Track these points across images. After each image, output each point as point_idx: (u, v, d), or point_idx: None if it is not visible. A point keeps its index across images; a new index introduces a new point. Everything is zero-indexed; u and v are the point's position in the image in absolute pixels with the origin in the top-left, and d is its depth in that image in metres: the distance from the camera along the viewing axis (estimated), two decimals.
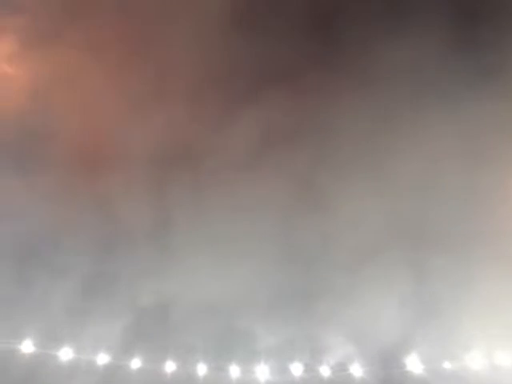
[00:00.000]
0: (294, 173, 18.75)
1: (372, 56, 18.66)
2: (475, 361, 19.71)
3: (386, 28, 18.20)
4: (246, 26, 18.65)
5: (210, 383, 21.37)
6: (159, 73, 19.44)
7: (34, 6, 19.86)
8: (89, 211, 18.84)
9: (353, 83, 18.25)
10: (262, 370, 21.58)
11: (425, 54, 18.63)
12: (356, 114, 18.47)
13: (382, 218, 18.54)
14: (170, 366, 21.34)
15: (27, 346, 19.95)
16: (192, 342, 20.78)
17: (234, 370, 21.68)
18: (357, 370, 20.99)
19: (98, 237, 19.10)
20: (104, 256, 19.26)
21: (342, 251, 18.86)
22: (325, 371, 21.44)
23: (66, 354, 20.26)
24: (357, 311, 19.39)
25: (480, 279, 18.17)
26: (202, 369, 21.60)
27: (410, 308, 19.00)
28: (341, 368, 21.27)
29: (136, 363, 21.05)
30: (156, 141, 19.05)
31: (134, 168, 19.11)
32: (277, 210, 18.93)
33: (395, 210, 18.18)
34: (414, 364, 20.25)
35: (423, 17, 18.44)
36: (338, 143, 18.57)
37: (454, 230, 18.30)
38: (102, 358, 20.66)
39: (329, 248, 18.96)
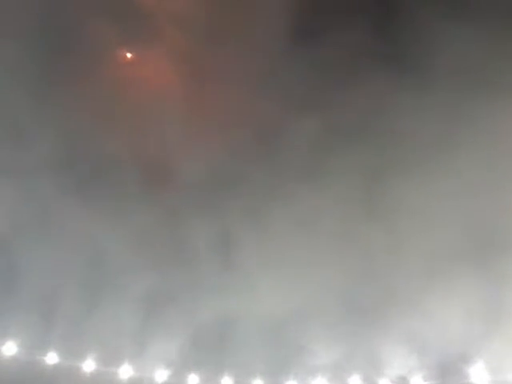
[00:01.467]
0: (356, 180, 18.47)
1: (437, 56, 18.21)
2: None
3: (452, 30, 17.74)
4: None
5: None
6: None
7: None
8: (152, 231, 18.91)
9: (417, 84, 17.81)
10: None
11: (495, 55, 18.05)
12: (423, 114, 18.03)
13: (452, 223, 18.08)
14: (226, 382, 21.32)
15: (88, 365, 19.98)
16: (250, 358, 20.60)
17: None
18: (418, 382, 20.66)
19: (160, 255, 19.11)
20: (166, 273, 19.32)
21: (410, 260, 18.57)
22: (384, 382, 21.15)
23: (126, 371, 20.26)
24: (420, 322, 18.99)
25: None
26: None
27: (476, 318, 18.56)
28: (401, 381, 20.92)
29: (194, 379, 20.97)
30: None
31: (195, 189, 19.15)
32: (339, 220, 18.70)
33: (467, 213, 17.66)
34: (478, 375, 19.87)
35: (488, 20, 18.01)
36: (405, 145, 18.13)
37: None
38: (161, 375, 20.70)
39: (395, 258, 18.69)
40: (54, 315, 19.33)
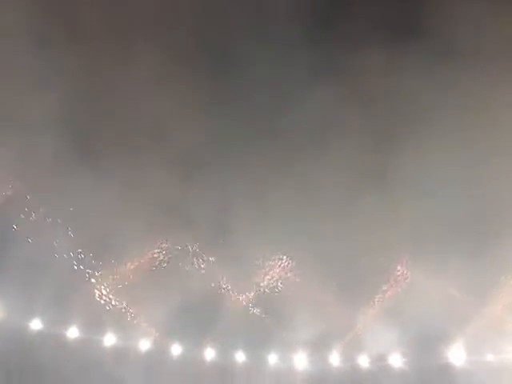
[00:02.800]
0: (356, 149, 18.12)
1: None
2: None
3: None
4: None
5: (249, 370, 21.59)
6: None
7: None
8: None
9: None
10: (300, 359, 21.61)
11: None
12: (428, 81, 17.32)
13: (448, 197, 17.68)
14: (209, 353, 21.72)
15: (72, 332, 20.35)
16: (233, 331, 20.83)
17: (272, 358, 21.83)
18: (396, 360, 20.76)
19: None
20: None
21: (399, 236, 18.42)
22: (364, 362, 21.32)
23: (110, 339, 20.58)
24: (404, 300, 18.97)
25: None
26: (240, 356, 21.93)
27: (459, 298, 18.46)
28: (380, 358, 21.04)
29: (177, 349, 21.32)
30: None
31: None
32: (335, 190, 18.53)
33: (464, 185, 17.21)
34: (456, 355, 19.91)
35: None
36: (406, 114, 17.43)
37: None
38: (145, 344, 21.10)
39: (384, 233, 18.55)
40: (42, 283, 19.59)
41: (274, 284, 19.94)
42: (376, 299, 19.84)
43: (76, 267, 19.13)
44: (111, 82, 16.34)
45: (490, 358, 19.56)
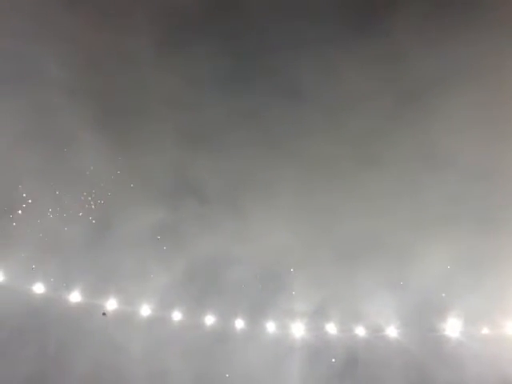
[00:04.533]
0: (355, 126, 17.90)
1: None
2: None
3: None
4: None
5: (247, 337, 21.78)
6: None
7: None
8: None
9: None
10: (298, 328, 21.74)
11: None
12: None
13: (448, 170, 17.51)
14: (209, 320, 21.84)
15: (74, 296, 20.50)
16: (234, 298, 20.97)
17: (270, 326, 21.97)
18: (392, 331, 20.85)
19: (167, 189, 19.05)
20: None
21: (398, 207, 18.30)
22: (360, 331, 21.43)
23: (111, 304, 20.72)
24: (402, 271, 18.95)
25: None
26: (239, 323, 22.08)
27: (458, 270, 18.41)
28: (376, 329, 21.13)
29: (177, 315, 21.49)
30: None
31: None
32: (333, 166, 18.38)
33: (466, 162, 16.97)
34: (452, 327, 19.96)
35: None
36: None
37: None
38: (146, 310, 21.22)
39: (383, 204, 18.41)
40: (46, 247, 19.69)
41: (276, 254, 19.95)
42: (373, 270, 19.83)
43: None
44: None
45: (485, 331, 19.65)
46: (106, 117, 18.04)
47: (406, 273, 19.43)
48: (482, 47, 16.73)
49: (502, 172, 17.39)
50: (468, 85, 16.86)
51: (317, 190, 19.20)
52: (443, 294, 19.37)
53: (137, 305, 21.07)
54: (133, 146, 18.59)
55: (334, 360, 21.46)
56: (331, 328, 21.45)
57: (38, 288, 19.91)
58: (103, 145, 18.17)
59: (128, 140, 18.56)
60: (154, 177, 19.02)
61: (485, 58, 16.82)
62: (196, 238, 19.57)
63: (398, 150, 18.17)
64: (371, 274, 19.84)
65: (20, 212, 18.57)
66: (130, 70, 17.71)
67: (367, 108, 18.13)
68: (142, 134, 18.55)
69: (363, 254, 19.81)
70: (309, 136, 18.50)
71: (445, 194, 18.66)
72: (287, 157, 18.77)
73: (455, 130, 17.45)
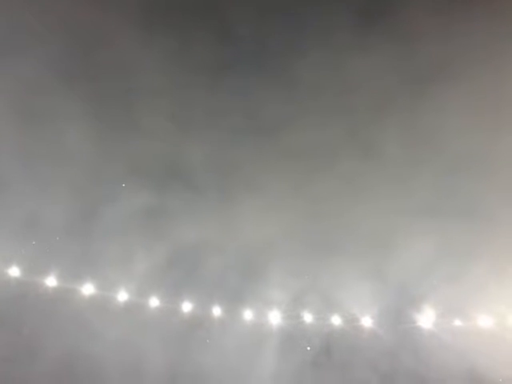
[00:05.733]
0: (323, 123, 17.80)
1: None
2: (486, 320, 19.61)
3: None
4: None
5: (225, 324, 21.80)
6: None
7: None
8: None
9: None
10: (275, 316, 21.84)
11: None
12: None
13: (429, 162, 17.54)
14: (186, 307, 21.78)
15: (50, 281, 20.19)
16: (212, 285, 20.91)
17: (248, 314, 22.04)
18: (367, 321, 21.12)
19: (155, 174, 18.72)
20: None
21: (377, 198, 18.33)
22: (336, 320, 21.64)
23: (88, 289, 20.53)
24: (379, 262, 19.05)
25: (494, 250, 17.75)
26: (216, 311, 22.10)
27: (436, 262, 18.61)
28: (352, 317, 21.37)
29: (154, 301, 21.38)
30: None
31: None
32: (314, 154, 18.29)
33: (446, 154, 16.99)
34: (425, 320, 20.28)
35: None
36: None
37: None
38: (123, 295, 21.01)
39: (363, 194, 18.43)
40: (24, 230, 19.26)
41: (257, 243, 19.89)
42: (352, 260, 19.92)
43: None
44: None
45: (458, 323, 20.00)
46: (94, 100, 17.59)
47: (385, 263, 19.51)
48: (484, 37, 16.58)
49: (488, 165, 17.53)
50: (464, 74, 16.81)
51: (300, 181, 19.14)
52: (419, 286, 19.55)
53: (114, 290, 20.85)
54: (120, 129, 18.19)
55: (308, 348, 21.70)
56: (307, 317, 21.64)
57: (14, 272, 19.55)
58: (89, 128, 17.74)
59: (115, 124, 18.15)
60: (141, 162, 18.70)
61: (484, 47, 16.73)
62: (180, 224, 19.35)
63: (385, 138, 18.11)
64: (350, 263, 19.85)
65: None
66: (119, 52, 17.28)
67: (358, 97, 17.99)
68: (129, 118, 18.16)
69: (342, 243, 19.87)
70: (300, 126, 18.34)
71: (428, 184, 18.72)
72: (276, 146, 18.62)
73: (447, 119, 17.44)
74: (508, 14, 15.94)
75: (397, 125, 17.77)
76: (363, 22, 16.63)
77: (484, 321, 19.45)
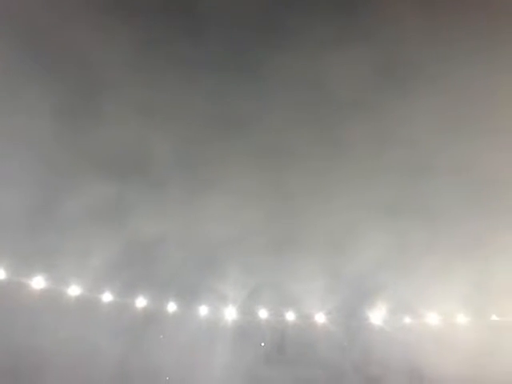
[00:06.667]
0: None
1: None
2: (434, 318, 20.35)
3: None
4: None
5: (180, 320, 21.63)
6: None
7: None
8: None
9: None
10: (230, 312, 21.86)
11: None
12: None
13: (385, 164, 17.89)
14: (140, 302, 21.47)
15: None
16: (167, 281, 20.65)
17: (203, 310, 21.96)
18: (320, 317, 21.46)
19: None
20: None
21: (333, 197, 18.54)
22: (290, 316, 21.87)
23: (38, 283, 19.81)
24: (335, 260, 19.28)
25: (445, 250, 18.44)
26: (171, 306, 21.90)
27: (387, 262, 19.06)
28: (306, 314, 21.66)
29: (108, 296, 20.94)
30: None
31: None
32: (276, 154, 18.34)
33: (401, 157, 17.31)
34: (377, 317, 20.83)
35: None
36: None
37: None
38: (74, 290, 20.48)
39: (322, 195, 18.60)
40: None
41: (217, 238, 19.80)
42: (308, 258, 20.15)
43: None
44: None
45: (407, 320, 20.68)
46: (55, 92, 16.91)
47: (340, 260, 19.71)
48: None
49: (450, 167, 18.04)
50: (438, 73, 17.15)
51: (265, 178, 19.15)
52: (372, 283, 19.95)
53: (67, 284, 20.26)
54: (81, 121, 17.60)
55: (263, 344, 21.84)
56: (262, 313, 21.76)
57: None
58: (49, 119, 17.07)
59: (76, 115, 17.54)
60: (102, 154, 18.14)
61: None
62: (139, 218, 18.95)
63: (355, 136, 18.29)
64: (307, 260, 19.98)
65: None
66: (87, 43, 16.74)
67: (329, 88, 18.00)
68: (91, 110, 17.60)
69: (301, 240, 20.02)
70: (269, 123, 18.29)
71: (390, 182, 19.05)
72: (244, 143, 18.52)
73: (418, 118, 17.76)
74: (484, 15, 16.41)
75: (366, 122, 17.99)
76: (338, 19, 16.76)
77: (432, 318, 20.20)
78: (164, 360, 20.82)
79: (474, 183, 17.63)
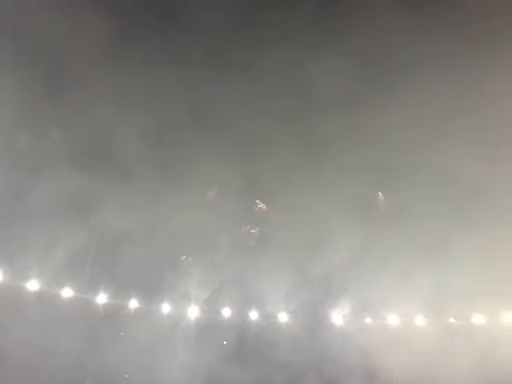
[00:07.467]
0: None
1: None
2: (394, 319, 20.73)
3: None
4: None
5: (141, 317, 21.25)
6: None
7: None
8: None
9: None
10: (193, 310, 21.64)
11: None
12: None
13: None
14: (101, 299, 20.96)
15: None
16: (128, 277, 20.28)
17: (165, 308, 21.62)
18: (283, 316, 21.53)
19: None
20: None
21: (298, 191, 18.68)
22: (253, 315, 21.84)
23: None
24: (299, 258, 19.46)
25: (411, 252, 18.88)
26: (133, 303, 21.44)
27: (349, 263, 19.32)
28: (269, 313, 21.68)
29: (68, 292, 20.33)
30: None
31: None
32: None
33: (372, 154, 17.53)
34: (338, 317, 21.08)
35: None
36: None
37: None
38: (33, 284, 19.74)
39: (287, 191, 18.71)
40: None
41: (184, 235, 19.61)
42: (273, 257, 20.21)
43: None
44: None
45: (368, 320, 21.00)
46: (23, 76, 16.30)
47: (306, 260, 19.97)
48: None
49: (415, 162, 18.38)
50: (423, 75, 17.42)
51: (229, 173, 19.10)
52: (337, 282, 20.19)
53: (25, 279, 19.58)
54: (48, 108, 17.05)
55: (225, 342, 21.71)
56: (226, 311, 21.63)
57: None
58: (14, 104, 16.47)
59: (43, 102, 16.98)
60: (68, 142, 17.65)
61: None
62: (104, 213, 18.52)
63: (326, 132, 18.43)
64: (273, 259, 20.11)
65: None
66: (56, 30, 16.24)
67: (305, 85, 18.09)
68: (58, 96, 17.08)
69: (265, 239, 20.10)
70: (240, 107, 18.20)
71: (363, 180, 19.28)
72: (211, 133, 18.40)
73: (393, 116, 17.99)
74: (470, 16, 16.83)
75: (341, 119, 18.15)
76: (323, 19, 16.92)
77: (392, 320, 20.57)
78: (124, 358, 20.34)
79: (443, 185, 18.12)
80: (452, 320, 20.27)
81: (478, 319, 19.91)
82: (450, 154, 17.66)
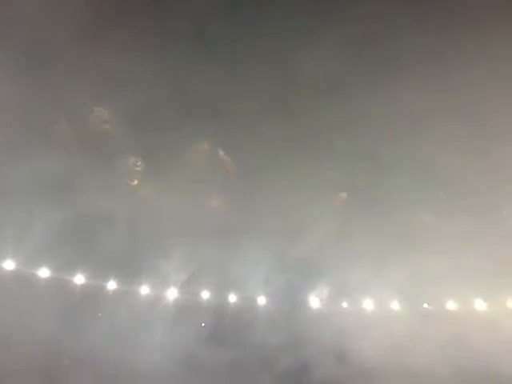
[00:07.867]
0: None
1: None
2: (370, 304, 21.23)
3: None
4: None
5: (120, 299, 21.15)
6: None
7: None
8: None
9: None
10: (172, 292, 21.68)
11: None
12: None
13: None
14: (79, 279, 20.78)
15: None
16: (107, 259, 20.10)
17: (144, 290, 21.59)
18: (262, 299, 21.80)
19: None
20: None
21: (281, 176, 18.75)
22: (232, 298, 22.04)
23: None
24: (280, 242, 19.62)
25: (389, 238, 19.25)
26: (111, 284, 21.33)
27: (329, 246, 19.54)
28: (247, 296, 21.89)
29: (45, 272, 20.04)
30: None
31: None
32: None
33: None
34: (315, 301, 21.46)
35: None
36: None
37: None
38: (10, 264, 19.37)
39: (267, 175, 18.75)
40: None
41: (164, 217, 19.48)
42: (254, 239, 20.29)
43: None
44: None
45: (345, 305, 21.44)
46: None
47: (285, 244, 20.10)
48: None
49: (397, 153, 18.61)
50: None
51: (211, 156, 19.02)
52: (316, 266, 20.43)
53: (1, 258, 19.19)
54: (28, 88, 16.50)
55: (203, 324, 21.86)
56: (205, 293, 21.74)
57: None
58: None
59: (22, 82, 16.42)
60: (48, 123, 17.17)
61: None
62: (84, 192, 18.22)
63: (308, 120, 18.44)
64: (254, 242, 20.13)
65: None
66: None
67: (292, 73, 18.00)
68: (38, 77, 16.54)
69: (250, 221, 20.13)
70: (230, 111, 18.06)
71: (334, 167, 19.42)
72: (194, 119, 18.18)
73: (376, 107, 18.11)
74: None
75: (325, 108, 18.20)
76: (313, 6, 16.81)
77: (368, 304, 21.07)
78: (102, 339, 20.29)
79: (423, 176, 18.47)
80: (426, 305, 20.88)
81: (451, 305, 20.58)
82: (432, 146, 17.99)
